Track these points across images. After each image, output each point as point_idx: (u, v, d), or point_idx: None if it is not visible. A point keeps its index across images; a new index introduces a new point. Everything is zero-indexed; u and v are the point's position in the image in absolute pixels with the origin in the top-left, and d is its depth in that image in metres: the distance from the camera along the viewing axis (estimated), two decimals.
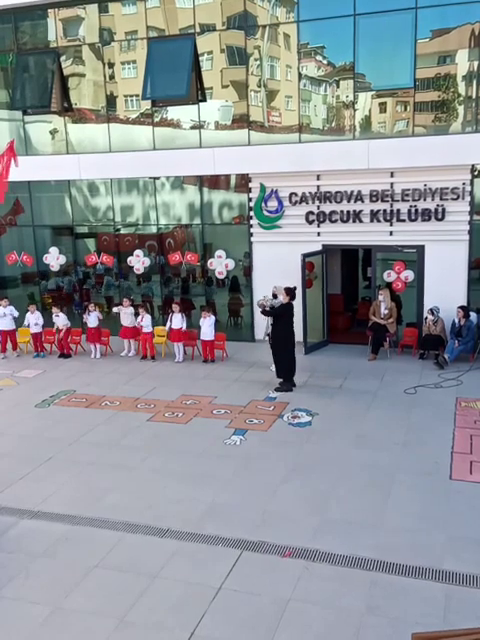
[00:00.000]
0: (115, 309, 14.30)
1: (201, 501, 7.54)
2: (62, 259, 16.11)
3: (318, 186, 13.49)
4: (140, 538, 6.85)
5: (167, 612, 5.67)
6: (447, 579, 5.94)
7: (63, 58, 15.22)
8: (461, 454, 8.50)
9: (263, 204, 13.94)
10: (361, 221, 13.27)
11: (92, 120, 15.37)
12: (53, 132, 15.68)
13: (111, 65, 14.94)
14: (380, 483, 7.80)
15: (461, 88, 12.46)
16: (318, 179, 13.48)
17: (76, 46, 15.16)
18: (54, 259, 16.14)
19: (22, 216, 16.24)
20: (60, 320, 14.00)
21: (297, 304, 12.14)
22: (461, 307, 12.38)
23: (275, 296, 12.11)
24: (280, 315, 11.26)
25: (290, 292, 11.32)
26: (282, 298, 11.47)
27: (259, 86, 13.81)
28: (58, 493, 7.91)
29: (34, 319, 14.08)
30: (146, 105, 14.63)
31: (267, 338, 11.69)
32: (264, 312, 11.54)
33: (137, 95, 14.57)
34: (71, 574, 6.26)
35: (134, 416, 10.40)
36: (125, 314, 13.92)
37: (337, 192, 13.33)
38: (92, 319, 13.88)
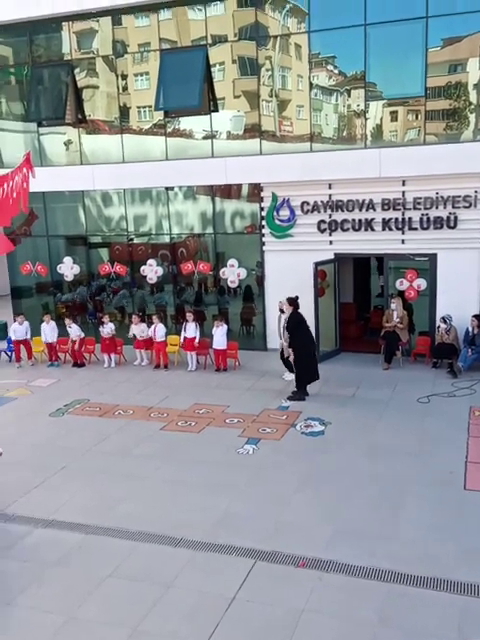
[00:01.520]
0: (131, 334, 14.06)
1: (214, 510, 7.53)
2: (76, 269, 16.24)
3: (330, 195, 13.51)
4: (153, 547, 6.86)
5: (181, 622, 5.67)
6: (462, 590, 5.88)
7: (77, 70, 15.40)
8: (476, 464, 8.43)
9: (275, 213, 13.98)
10: (373, 229, 13.26)
11: (106, 131, 15.53)
12: (67, 143, 15.85)
13: (124, 77, 15.09)
14: (393, 493, 7.76)
15: (472, 96, 12.44)
16: (330, 188, 13.50)
17: (90, 58, 15.33)
18: (68, 269, 16.27)
19: (36, 226, 16.39)
20: (73, 331, 14.09)
21: (309, 312, 12.17)
22: (475, 316, 12.30)
23: (282, 311, 12.06)
24: (294, 328, 11.24)
25: (293, 302, 11.36)
26: (286, 309, 11.51)
27: (271, 96, 13.88)
28: (72, 502, 7.94)
29: (49, 330, 14.20)
30: (159, 116, 14.75)
31: (285, 347, 11.64)
32: (290, 344, 11.48)
33: (150, 106, 14.69)
34: (85, 583, 6.28)
35: (147, 425, 10.42)
36: (137, 330, 13.94)
37: (349, 201, 13.34)
38: (107, 331, 13.96)
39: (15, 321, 14.44)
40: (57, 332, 14.35)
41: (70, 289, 16.70)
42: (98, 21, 14.91)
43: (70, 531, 7.25)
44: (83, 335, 14.28)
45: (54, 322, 14.47)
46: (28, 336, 14.39)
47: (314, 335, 12.40)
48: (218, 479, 8.36)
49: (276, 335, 12.65)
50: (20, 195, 7.87)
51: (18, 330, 14.20)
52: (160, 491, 8.12)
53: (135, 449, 9.49)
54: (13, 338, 14.36)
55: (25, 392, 12.54)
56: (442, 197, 12.66)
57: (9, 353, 14.84)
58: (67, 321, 14.32)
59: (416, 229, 12.96)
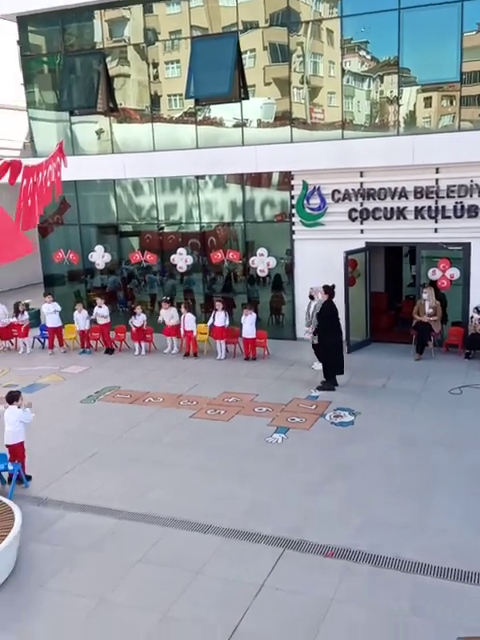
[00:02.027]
0: (160, 319, 14.19)
1: (243, 498, 7.57)
2: (107, 257, 16.36)
3: (361, 183, 13.35)
4: (183, 534, 6.92)
5: (210, 608, 5.72)
6: None
7: (109, 59, 15.44)
8: None
9: (305, 201, 13.87)
10: (405, 218, 13.08)
11: (136, 120, 15.56)
12: (99, 132, 15.94)
13: (155, 65, 15.08)
14: (424, 484, 7.69)
15: None
16: (361, 176, 13.34)
17: (121, 47, 15.36)
18: (99, 257, 16.41)
19: (68, 215, 16.55)
20: (101, 312, 14.21)
21: (339, 302, 12.07)
22: None
23: (312, 297, 12.05)
24: (327, 317, 11.19)
25: (328, 290, 11.26)
26: (320, 297, 11.42)
27: (302, 83, 13.74)
28: (103, 488, 8.05)
29: (82, 318, 14.37)
30: (189, 104, 14.73)
31: (313, 338, 11.60)
32: (316, 331, 11.44)
33: (180, 94, 14.68)
34: (116, 568, 6.37)
35: (177, 413, 10.50)
36: (167, 316, 14.03)
37: (381, 189, 13.16)
38: (138, 321, 14.08)
39: (44, 302, 14.64)
40: (89, 320, 14.50)
41: (101, 277, 16.85)
42: (129, 9, 14.92)
43: (102, 516, 7.36)
44: (109, 319, 14.37)
45: (86, 311, 14.62)
46: (60, 322, 14.56)
47: (344, 325, 12.33)
48: (247, 467, 8.38)
49: (303, 322, 12.65)
50: (53, 184, 7.94)
51: (48, 309, 14.38)
52: (190, 478, 8.18)
53: (165, 436, 9.58)
54: (47, 323, 14.56)
55: (57, 379, 12.73)
56: (477, 185, 12.40)
57: (42, 340, 15.07)
58: (98, 301, 14.45)
59: (449, 217, 12.74)
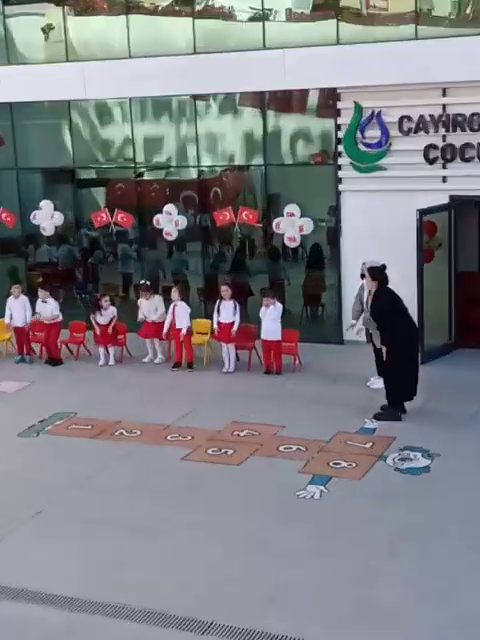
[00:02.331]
0: (140, 316, 14.37)
1: (261, 583, 7.58)
2: (58, 218, 16.40)
3: (444, 106, 13.38)
4: (170, 634, 6.94)
5: None
6: None
7: None
8: None
9: (359, 134, 13.89)
10: None
11: (103, 11, 15.60)
12: (46, 29, 15.98)
13: None
14: None
15: None
16: (444, 95, 13.37)
17: None
18: (47, 218, 16.45)
19: (1, 154, 16.61)
20: (47, 309, 14.27)
21: (408, 288, 12.07)
22: None
23: (364, 276, 12.03)
24: (378, 313, 11.17)
25: (377, 274, 11.22)
26: (368, 285, 11.37)
27: None
28: (51, 565, 8.06)
29: (19, 308, 14.43)
30: None
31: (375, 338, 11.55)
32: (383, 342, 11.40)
33: None
34: None
35: (162, 452, 10.57)
36: (148, 309, 14.06)
37: (474, 115, 13.15)
38: (104, 317, 14.10)
39: None
40: (31, 312, 14.59)
41: (49, 248, 16.92)
42: None
43: (49, 607, 7.37)
44: (60, 317, 14.46)
45: (26, 297, 14.69)
46: None
47: (416, 322, 12.31)
48: (267, 535, 8.40)
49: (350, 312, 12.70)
50: None
51: None
52: (181, 552, 8.21)
53: (144, 487, 9.62)
54: None
55: None
56: None
57: None
58: (41, 293, 14.52)
59: None
